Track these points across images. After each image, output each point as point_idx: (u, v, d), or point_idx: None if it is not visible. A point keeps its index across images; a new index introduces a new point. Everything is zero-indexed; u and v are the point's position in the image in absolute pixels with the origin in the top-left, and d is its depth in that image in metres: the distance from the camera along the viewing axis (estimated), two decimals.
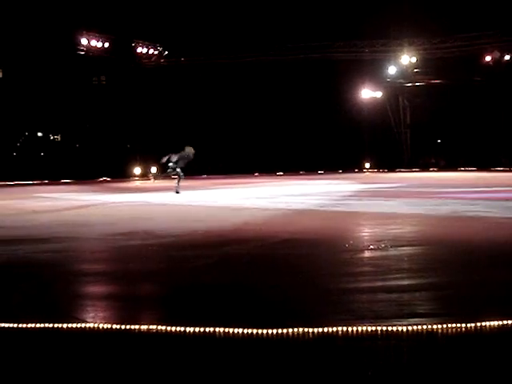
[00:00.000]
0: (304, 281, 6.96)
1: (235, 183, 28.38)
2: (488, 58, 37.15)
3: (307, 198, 19.11)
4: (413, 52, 38.18)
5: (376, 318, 5.28)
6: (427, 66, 38.60)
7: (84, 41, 34.57)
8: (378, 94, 41.03)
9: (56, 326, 5.16)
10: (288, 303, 5.98)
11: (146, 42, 37.32)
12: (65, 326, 5.16)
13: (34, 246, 9.63)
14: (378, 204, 16.61)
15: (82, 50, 34.80)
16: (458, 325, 4.94)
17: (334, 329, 4.88)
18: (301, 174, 36.93)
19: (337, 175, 35.63)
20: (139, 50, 37.43)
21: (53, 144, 38.14)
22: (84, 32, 34.39)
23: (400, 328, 4.92)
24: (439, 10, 35.36)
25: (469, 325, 4.92)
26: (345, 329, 4.87)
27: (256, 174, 37.42)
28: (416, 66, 39.02)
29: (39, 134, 38.19)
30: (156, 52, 37.96)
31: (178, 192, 21.24)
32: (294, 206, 16.51)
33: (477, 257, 8.22)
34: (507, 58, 36.87)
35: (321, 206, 15.99)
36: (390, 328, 4.91)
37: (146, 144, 36.49)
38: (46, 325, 5.16)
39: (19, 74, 35.43)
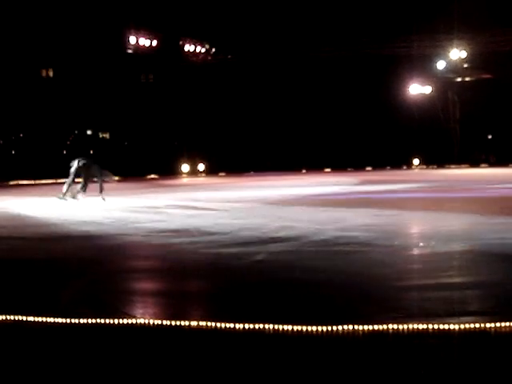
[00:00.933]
0: (353, 278, 6.92)
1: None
2: None
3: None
4: (462, 46, 37.64)
5: (426, 316, 5.23)
6: (477, 60, 38.05)
7: (132, 39, 34.89)
8: (427, 90, 40.56)
9: (107, 321, 5.22)
10: (338, 300, 5.96)
11: (194, 40, 37.52)
12: (115, 321, 5.22)
13: None
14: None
15: (131, 49, 35.15)
16: (510, 324, 4.87)
17: (385, 326, 4.84)
18: (348, 171, 36.75)
19: (384, 172, 35.38)
20: (187, 47, 37.65)
21: (102, 142, 38.58)
22: (132, 30, 34.72)
23: (451, 326, 4.86)
24: (488, 3, 34.81)
25: None
26: (395, 326, 4.83)
27: (304, 170, 37.34)
28: (465, 60, 38.48)
29: (88, 132, 38.67)
30: (203, 49, 38.16)
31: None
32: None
33: None
34: None
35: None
36: (441, 326, 4.86)
37: (194, 141, 36.72)
38: (98, 320, 5.23)
39: (69, 72, 35.93)
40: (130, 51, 35.29)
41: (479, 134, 39.90)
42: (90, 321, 5.22)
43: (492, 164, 38.75)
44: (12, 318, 5.35)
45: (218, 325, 5.00)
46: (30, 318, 5.30)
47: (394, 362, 4.28)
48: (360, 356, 4.43)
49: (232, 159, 36.74)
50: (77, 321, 5.23)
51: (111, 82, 35.74)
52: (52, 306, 5.82)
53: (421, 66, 38.73)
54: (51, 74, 37.45)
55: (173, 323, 5.11)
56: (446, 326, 4.85)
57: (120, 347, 4.83)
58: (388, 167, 38.77)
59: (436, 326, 4.84)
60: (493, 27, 35.23)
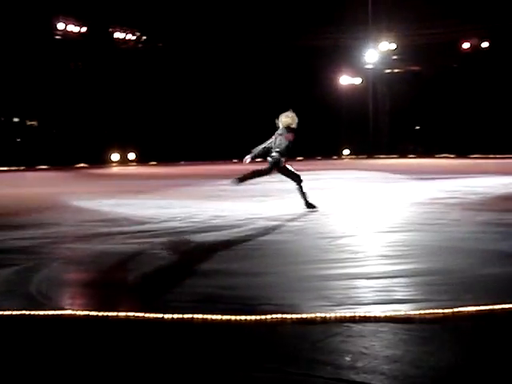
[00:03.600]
0: (281, 267, 6.96)
1: None
2: (466, 45, 37.37)
3: None
4: (392, 38, 38.20)
5: (354, 305, 5.31)
6: (406, 52, 38.66)
7: (61, 25, 34.30)
8: (357, 81, 41.05)
9: (32, 313, 5.13)
10: (265, 290, 5.98)
11: (124, 27, 37.08)
12: (41, 313, 5.13)
13: None
14: None
15: (59, 35, 34.54)
16: (435, 311, 4.98)
17: (312, 315, 4.89)
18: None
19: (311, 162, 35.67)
20: (116, 35, 37.21)
21: (29, 129, 37.76)
22: (61, 17, 34.11)
23: (378, 314, 4.95)
24: None
25: (445, 311, 4.96)
26: (322, 315, 4.89)
27: (235, 160, 37.25)
28: (395, 52, 39.07)
29: (15, 120, 37.80)
30: (133, 37, 37.76)
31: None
32: None
33: (456, 244, 8.26)
34: (485, 44, 37.10)
35: None
36: (367, 314, 4.94)
37: (124, 130, 36.29)
38: (23, 312, 5.13)
39: None
40: (58, 37, 34.67)
41: (407, 124, 40.57)
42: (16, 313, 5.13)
43: (419, 154, 39.50)
44: None
45: (146, 315, 4.97)
46: None
47: (320, 350, 4.33)
48: (285, 345, 4.46)
49: (163, 148, 36.40)
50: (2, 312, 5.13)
51: (39, 68, 34.99)
52: None
53: (351, 57, 39.15)
54: None
55: (100, 314, 5.06)
56: (373, 314, 4.94)
57: (46, 339, 4.75)
58: (318, 157, 39.08)
59: (362, 314, 4.93)
60: (421, 20, 35.85)
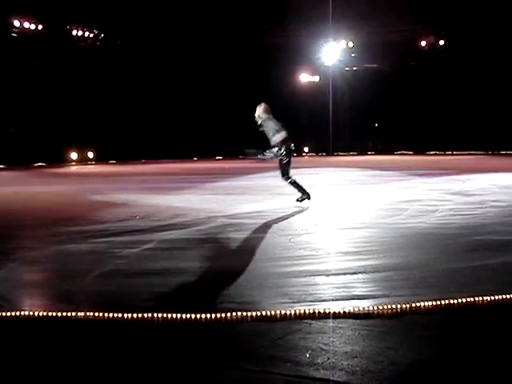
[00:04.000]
0: (241, 265, 6.96)
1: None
2: (423, 43, 37.78)
3: None
4: (350, 36, 38.41)
5: (313, 301, 5.34)
6: (365, 50, 38.89)
7: (17, 23, 33.84)
8: (316, 78, 41.21)
9: None
10: (225, 287, 5.98)
11: (82, 25, 36.72)
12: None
13: None
14: None
15: (15, 33, 34.07)
16: (393, 306, 5.04)
17: (272, 312, 4.91)
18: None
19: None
20: (74, 32, 36.85)
21: None
22: (17, 14, 33.66)
23: (337, 310, 4.99)
24: None
25: (403, 305, 5.02)
26: (282, 312, 4.91)
27: (195, 158, 37.24)
28: (354, 50, 39.29)
29: None
30: (92, 35, 37.41)
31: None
32: None
33: (418, 239, 8.34)
34: (442, 42, 37.54)
35: None
36: (327, 310, 4.97)
37: (83, 128, 35.92)
38: None
39: None
40: (14, 35, 34.21)
41: (366, 122, 40.83)
42: None
43: (378, 151, 39.87)
44: None
45: (106, 315, 4.94)
46: None
47: (281, 347, 4.35)
48: (248, 342, 4.47)
49: (123, 147, 36.14)
50: None
51: None
52: None
53: (310, 55, 39.29)
54: None
55: (58, 314, 5.01)
56: (332, 310, 4.98)
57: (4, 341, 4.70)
58: None
59: (322, 311, 4.96)
60: (379, 19, 36.16)
